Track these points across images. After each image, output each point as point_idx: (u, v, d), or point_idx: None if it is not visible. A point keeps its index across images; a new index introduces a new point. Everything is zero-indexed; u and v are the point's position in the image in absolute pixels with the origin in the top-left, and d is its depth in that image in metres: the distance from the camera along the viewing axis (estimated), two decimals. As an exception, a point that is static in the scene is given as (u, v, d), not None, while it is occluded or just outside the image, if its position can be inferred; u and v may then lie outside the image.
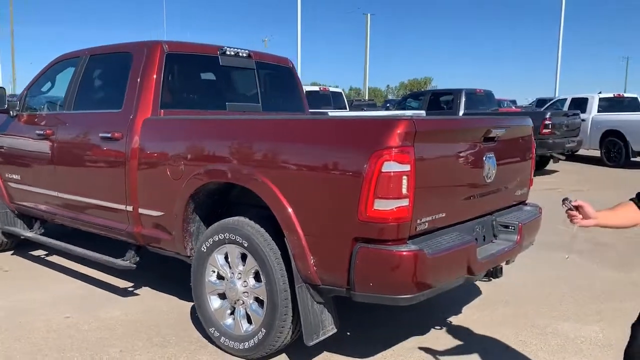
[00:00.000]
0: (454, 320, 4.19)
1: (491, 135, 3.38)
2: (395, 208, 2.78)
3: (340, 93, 14.20)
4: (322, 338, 3.21)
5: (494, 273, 3.49)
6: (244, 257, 3.42)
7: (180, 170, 3.68)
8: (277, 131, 3.34)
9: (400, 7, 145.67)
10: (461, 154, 3.23)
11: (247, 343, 3.39)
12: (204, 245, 3.59)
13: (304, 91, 5.48)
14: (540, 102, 28.87)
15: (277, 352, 3.45)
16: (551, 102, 18.48)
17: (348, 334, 3.91)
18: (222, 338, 3.54)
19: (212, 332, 3.60)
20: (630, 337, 2.30)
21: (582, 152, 16.48)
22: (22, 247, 5.91)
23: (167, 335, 3.81)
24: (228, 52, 4.62)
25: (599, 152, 15.32)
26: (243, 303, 3.47)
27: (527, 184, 4.11)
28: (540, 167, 14.09)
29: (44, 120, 4.98)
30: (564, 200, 2.29)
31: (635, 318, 2.27)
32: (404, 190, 2.78)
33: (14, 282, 4.94)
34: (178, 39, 4.39)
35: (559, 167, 14.58)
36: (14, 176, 5.33)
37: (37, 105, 5.28)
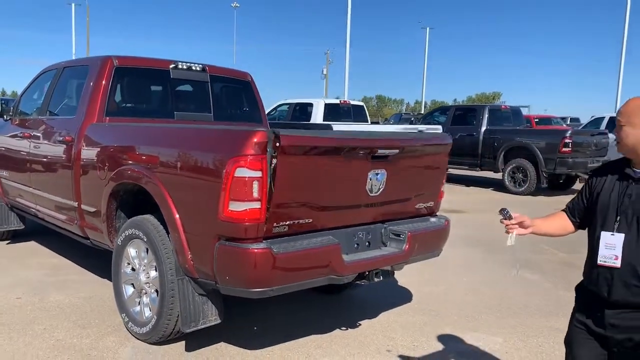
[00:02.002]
0: (364, 323, 4.40)
1: (379, 154, 3.57)
2: (248, 209, 3.08)
3: (362, 106, 14.42)
4: (201, 327, 3.54)
5: (370, 276, 3.69)
6: (147, 251, 3.81)
7: (105, 171, 4.12)
8: (167, 138, 3.74)
9: (473, 20, 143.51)
10: (333, 168, 3.40)
11: (145, 328, 3.77)
12: (119, 239, 4.00)
13: (262, 103, 5.81)
14: (597, 120, 27.96)
15: (173, 338, 3.78)
16: (589, 120, 17.93)
17: (255, 328, 4.21)
18: (130, 323, 3.93)
19: (123, 317, 4.00)
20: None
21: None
22: (17, 238, 6.57)
23: (93, 319, 4.25)
24: (180, 66, 5.05)
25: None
26: (146, 292, 3.85)
27: (435, 197, 4.27)
28: (566, 187, 13.76)
29: (26, 124, 5.60)
30: (501, 210, 2.45)
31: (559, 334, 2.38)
32: (255, 194, 3.07)
33: (-7, 267, 5.57)
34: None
35: (587, 187, 14.15)
36: (5, 173, 5.99)
37: (26, 111, 5.91)
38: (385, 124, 30.80)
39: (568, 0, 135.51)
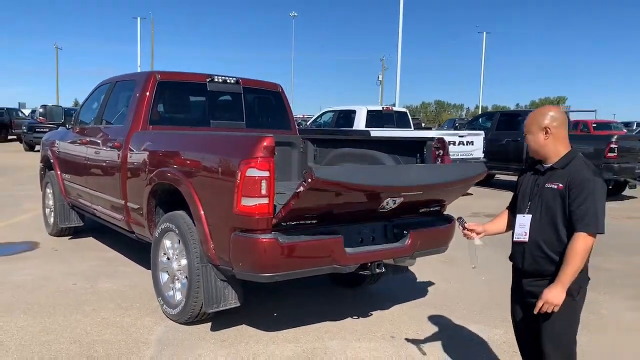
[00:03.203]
0: (375, 313, 4.78)
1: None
2: (257, 204, 3.56)
3: (405, 112, 14.70)
4: (222, 308, 4.04)
5: (372, 267, 4.07)
6: (179, 242, 4.35)
7: (146, 173, 4.71)
8: (194, 144, 4.28)
9: (539, 23, 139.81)
10: (353, 198, 3.73)
11: (176, 309, 4.31)
12: (157, 232, 4.57)
13: (292, 112, 6.31)
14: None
15: (200, 320, 4.30)
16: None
17: (275, 314, 4.68)
18: (164, 306, 4.49)
19: (160, 301, 4.56)
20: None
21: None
22: (78, 234, 7.34)
23: (134, 303, 4.84)
24: (216, 80, 5.62)
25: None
26: (177, 279, 4.39)
27: (445, 203, 4.59)
28: (615, 194, 13.50)
29: (84, 132, 6.32)
30: (458, 219, 3.03)
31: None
32: (264, 191, 3.54)
33: (55, 258, 6.30)
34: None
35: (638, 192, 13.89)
36: (67, 175, 6.75)
37: (84, 120, 6.65)
38: (439, 129, 30.93)
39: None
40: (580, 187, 2.50)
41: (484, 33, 53.56)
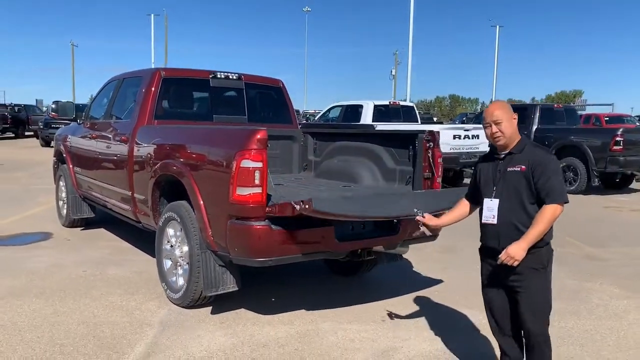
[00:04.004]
0: (370, 299, 4.97)
1: None
2: (252, 193, 3.78)
3: (412, 107, 14.84)
4: (221, 292, 4.27)
5: (362, 254, 4.28)
6: (181, 230, 4.58)
7: (150, 165, 4.95)
8: (193, 138, 4.51)
9: (555, 16, 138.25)
10: None
11: (178, 294, 4.55)
12: (160, 221, 4.82)
13: (294, 107, 6.52)
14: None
15: (201, 304, 4.53)
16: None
17: (273, 300, 4.90)
18: (168, 291, 4.73)
19: (163, 286, 4.81)
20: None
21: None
22: (89, 225, 7.64)
23: (141, 288, 5.09)
24: (218, 76, 5.84)
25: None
26: (180, 265, 4.63)
27: None
28: (622, 186, 13.54)
29: (94, 127, 6.59)
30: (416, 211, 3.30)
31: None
32: (257, 181, 3.76)
33: (68, 248, 6.59)
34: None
35: (646, 186, 13.92)
36: (78, 169, 7.03)
37: (94, 115, 6.92)
38: (450, 123, 30.98)
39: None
40: (542, 166, 2.80)
41: (497, 27, 53.28)
